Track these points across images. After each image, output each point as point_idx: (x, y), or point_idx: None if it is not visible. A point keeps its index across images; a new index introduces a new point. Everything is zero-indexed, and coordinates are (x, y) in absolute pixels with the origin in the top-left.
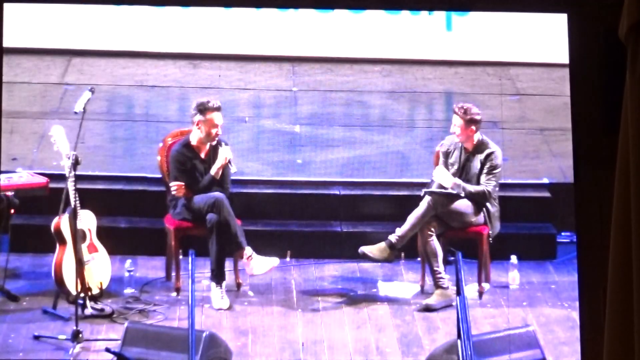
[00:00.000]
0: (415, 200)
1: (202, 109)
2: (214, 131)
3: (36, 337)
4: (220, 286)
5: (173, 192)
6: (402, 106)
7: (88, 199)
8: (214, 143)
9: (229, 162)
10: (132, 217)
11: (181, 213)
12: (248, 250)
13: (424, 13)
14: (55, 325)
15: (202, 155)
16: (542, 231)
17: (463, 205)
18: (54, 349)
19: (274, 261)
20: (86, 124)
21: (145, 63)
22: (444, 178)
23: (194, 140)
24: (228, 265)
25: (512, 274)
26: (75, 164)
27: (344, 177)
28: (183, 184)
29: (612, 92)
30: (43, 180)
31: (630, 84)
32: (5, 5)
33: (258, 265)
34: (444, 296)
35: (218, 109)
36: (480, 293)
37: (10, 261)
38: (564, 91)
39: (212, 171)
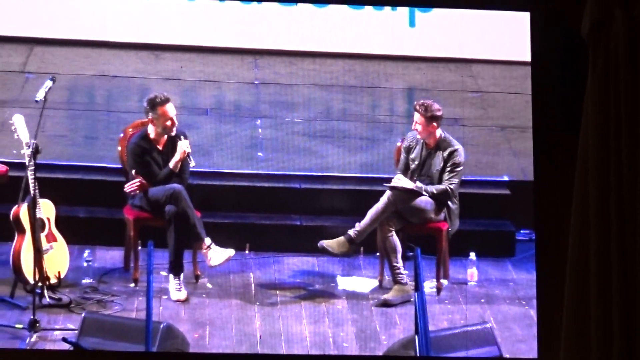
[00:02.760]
0: (375, 195)
1: (152, 104)
2: (168, 123)
3: None
4: (178, 278)
5: (134, 189)
6: (363, 101)
7: (47, 188)
8: (173, 134)
9: (188, 156)
10: (92, 207)
11: (140, 204)
12: (207, 241)
13: (387, 9)
14: (12, 314)
15: (160, 147)
16: (501, 228)
17: (423, 201)
18: (10, 337)
19: (230, 252)
20: (47, 112)
21: (107, 53)
22: (405, 185)
23: (151, 133)
24: (187, 257)
25: (471, 271)
26: (35, 152)
27: (304, 171)
28: (139, 182)
29: (573, 90)
30: (2, 168)
31: (592, 82)
32: None
33: (215, 256)
34: (402, 292)
35: (167, 100)
36: (439, 289)
37: None
38: (525, 89)
39: (171, 164)
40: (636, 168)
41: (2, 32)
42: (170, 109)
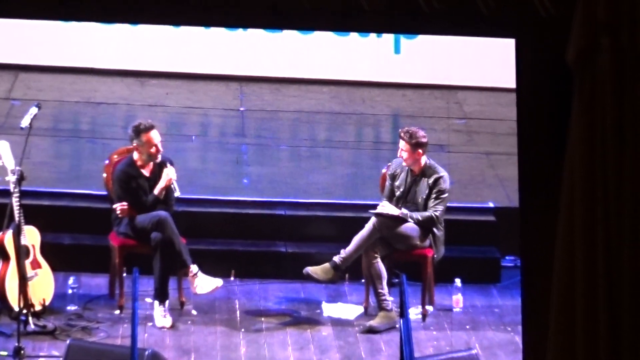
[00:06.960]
0: (360, 222)
1: (137, 131)
2: (153, 150)
3: None
4: (163, 305)
5: (118, 214)
6: (349, 127)
7: (32, 215)
8: (158, 161)
9: (173, 183)
10: (77, 233)
11: (126, 231)
12: (194, 268)
13: (373, 35)
14: None
15: (147, 174)
16: (486, 255)
17: (408, 228)
18: None
19: (218, 282)
20: (32, 139)
21: (93, 79)
22: (390, 211)
23: (138, 159)
24: (172, 283)
25: (456, 297)
26: (20, 179)
27: (290, 198)
28: (127, 205)
29: (559, 117)
30: None
31: (577, 109)
32: None
33: (202, 284)
34: (388, 318)
35: (151, 127)
36: (424, 315)
37: None
38: (510, 116)
39: (156, 191)
40: (622, 195)
41: None
42: (155, 135)
